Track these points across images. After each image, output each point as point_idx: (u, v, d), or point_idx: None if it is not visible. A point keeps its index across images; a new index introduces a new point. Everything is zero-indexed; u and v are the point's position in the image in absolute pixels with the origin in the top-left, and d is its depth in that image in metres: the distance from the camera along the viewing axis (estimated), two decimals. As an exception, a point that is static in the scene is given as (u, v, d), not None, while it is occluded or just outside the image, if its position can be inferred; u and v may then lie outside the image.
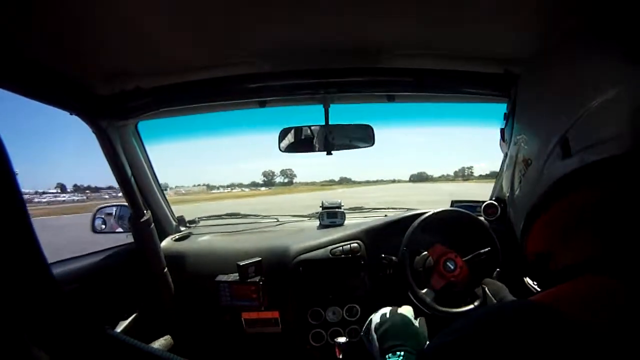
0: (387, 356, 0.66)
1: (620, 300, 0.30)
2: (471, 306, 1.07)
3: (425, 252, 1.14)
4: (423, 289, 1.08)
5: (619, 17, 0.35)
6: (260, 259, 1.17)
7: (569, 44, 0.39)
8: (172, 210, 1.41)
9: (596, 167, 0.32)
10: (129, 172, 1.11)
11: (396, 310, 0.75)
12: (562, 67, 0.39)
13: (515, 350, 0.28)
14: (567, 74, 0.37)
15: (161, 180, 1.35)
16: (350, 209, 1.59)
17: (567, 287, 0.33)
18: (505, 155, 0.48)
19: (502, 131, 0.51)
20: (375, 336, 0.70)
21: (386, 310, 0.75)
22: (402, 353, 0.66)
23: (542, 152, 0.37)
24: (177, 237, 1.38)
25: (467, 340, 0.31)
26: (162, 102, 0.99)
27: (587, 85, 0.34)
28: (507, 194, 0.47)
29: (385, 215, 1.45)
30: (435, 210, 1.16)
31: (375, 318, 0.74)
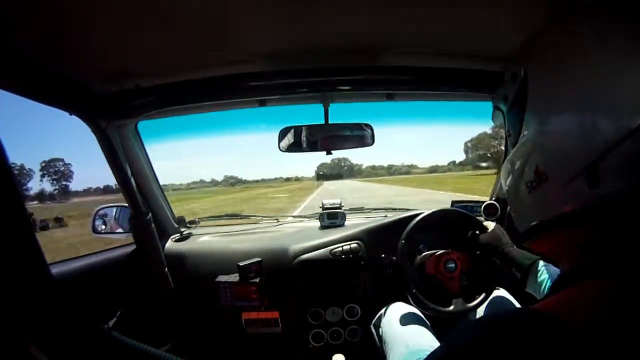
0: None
1: (616, 302, 0.30)
2: (484, 293, 1.07)
3: (426, 253, 1.14)
4: (449, 306, 1.06)
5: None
6: (260, 259, 1.17)
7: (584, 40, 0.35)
8: (172, 211, 1.41)
9: (624, 205, 0.30)
10: (129, 172, 1.10)
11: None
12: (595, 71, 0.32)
13: (517, 357, 0.29)
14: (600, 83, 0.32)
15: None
16: (351, 209, 1.60)
17: (565, 294, 0.33)
18: (505, 148, 0.46)
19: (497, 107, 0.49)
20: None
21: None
22: None
23: (564, 172, 0.34)
24: (177, 237, 1.38)
25: (474, 346, 0.31)
26: (162, 102, 0.98)
27: (624, 103, 0.30)
28: (511, 195, 0.44)
29: (386, 216, 1.45)
30: (433, 210, 1.16)
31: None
